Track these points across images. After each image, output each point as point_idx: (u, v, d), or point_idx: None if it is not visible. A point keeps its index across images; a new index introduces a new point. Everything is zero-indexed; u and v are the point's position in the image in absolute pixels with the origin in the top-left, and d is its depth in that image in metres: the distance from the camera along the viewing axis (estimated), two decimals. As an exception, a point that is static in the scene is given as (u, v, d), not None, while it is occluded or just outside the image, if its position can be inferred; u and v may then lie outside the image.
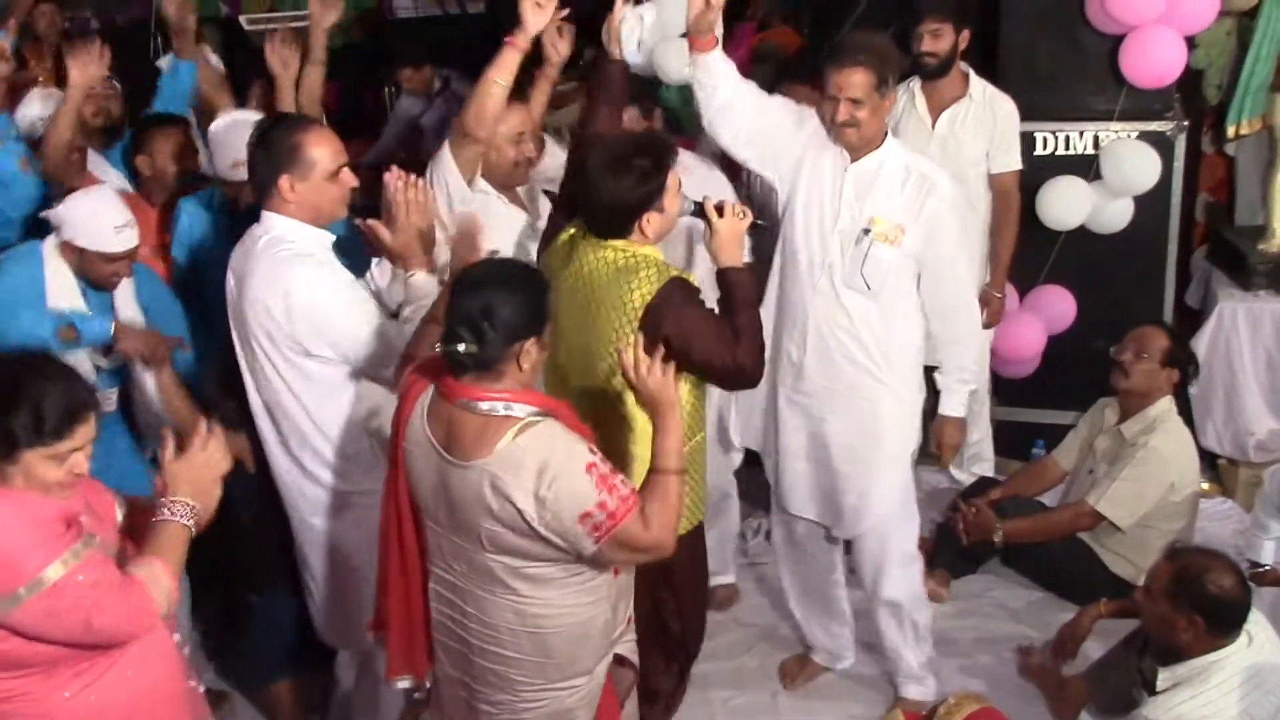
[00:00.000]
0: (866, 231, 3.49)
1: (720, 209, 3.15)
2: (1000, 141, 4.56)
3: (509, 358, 2.56)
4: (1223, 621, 3.09)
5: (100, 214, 3.54)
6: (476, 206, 3.64)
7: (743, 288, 3.16)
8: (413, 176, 3.16)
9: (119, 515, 2.61)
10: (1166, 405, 4.31)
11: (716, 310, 3.17)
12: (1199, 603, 3.08)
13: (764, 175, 3.73)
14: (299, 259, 3.13)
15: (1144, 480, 4.22)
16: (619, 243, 3.14)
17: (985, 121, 4.53)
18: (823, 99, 3.50)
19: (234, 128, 3.89)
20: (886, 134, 3.56)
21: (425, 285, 3.14)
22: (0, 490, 2.35)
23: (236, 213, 3.94)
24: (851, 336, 3.59)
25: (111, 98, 4.74)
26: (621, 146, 3.15)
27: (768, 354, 3.72)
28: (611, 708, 2.96)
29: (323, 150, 3.17)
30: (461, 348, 2.52)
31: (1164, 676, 3.15)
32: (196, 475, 2.51)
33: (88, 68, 4.10)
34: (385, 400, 3.16)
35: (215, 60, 5.10)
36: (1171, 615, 3.11)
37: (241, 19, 6.59)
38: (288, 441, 3.28)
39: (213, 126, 3.97)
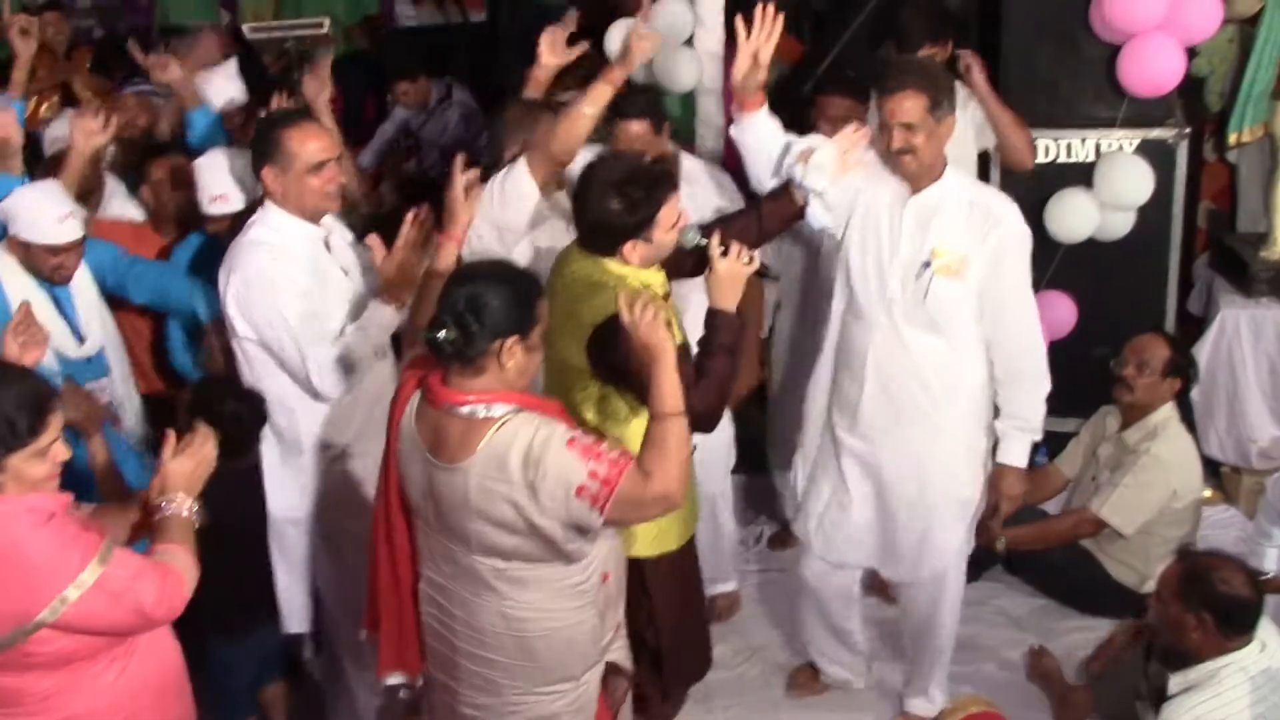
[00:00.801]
0: (927, 265, 3.39)
1: (726, 249, 3.04)
2: (982, 123, 4.49)
3: (490, 353, 2.58)
4: (1232, 620, 3.09)
5: (42, 205, 3.56)
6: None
7: (727, 332, 3.06)
8: (427, 218, 3.23)
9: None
10: (1168, 412, 4.31)
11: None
12: (1208, 599, 3.08)
13: (824, 226, 3.56)
14: (260, 245, 3.28)
15: (1146, 487, 4.21)
16: (605, 261, 3.15)
17: (973, 115, 4.52)
18: (879, 130, 3.40)
19: (214, 161, 3.90)
20: (946, 163, 3.45)
21: (379, 316, 3.26)
22: (3, 499, 2.39)
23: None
24: (912, 375, 3.48)
25: (142, 111, 4.72)
26: (619, 171, 3.14)
27: (825, 400, 3.66)
28: (603, 715, 2.96)
29: (304, 145, 3.27)
30: (442, 335, 2.55)
31: (1175, 681, 3.15)
32: (192, 474, 2.62)
33: (92, 137, 3.92)
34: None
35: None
36: (1182, 615, 3.12)
37: (244, 28, 6.60)
38: None
39: (196, 161, 3.94)
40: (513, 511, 2.57)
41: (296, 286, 3.25)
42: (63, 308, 3.69)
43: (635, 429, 2.98)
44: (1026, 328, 3.52)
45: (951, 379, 3.50)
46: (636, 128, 3.82)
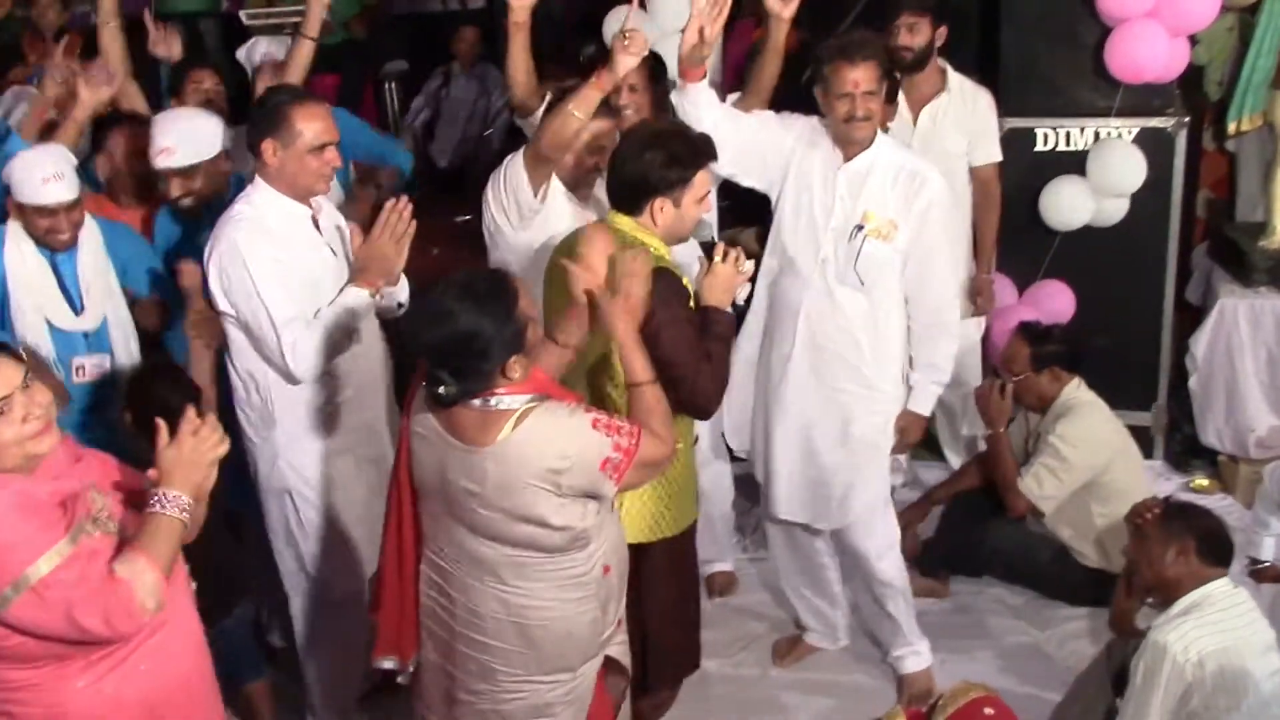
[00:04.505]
0: (860, 228, 3.57)
1: (726, 254, 3.16)
2: (980, 134, 4.59)
3: (494, 378, 2.59)
4: (1211, 548, 3.18)
5: (29, 165, 3.54)
6: (545, 204, 3.70)
7: (719, 324, 3.16)
8: (407, 208, 3.23)
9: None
10: (1070, 393, 4.33)
11: None
12: (1188, 527, 3.18)
13: (754, 187, 3.78)
14: (244, 221, 3.28)
15: (1062, 465, 4.23)
16: (628, 224, 3.14)
17: (965, 115, 4.56)
18: (830, 98, 3.54)
19: (168, 117, 3.90)
20: (877, 131, 3.64)
21: (350, 299, 3.26)
22: None
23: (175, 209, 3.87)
24: (843, 332, 3.66)
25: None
26: (667, 128, 3.24)
27: (757, 356, 3.81)
28: (605, 715, 2.96)
29: (311, 124, 3.28)
30: (443, 390, 2.57)
31: (1157, 621, 3.20)
32: (189, 462, 2.43)
33: (99, 90, 3.98)
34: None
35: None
36: (1163, 549, 3.20)
37: (242, 14, 6.57)
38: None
39: (156, 116, 3.93)
40: (531, 505, 2.60)
41: (275, 265, 3.24)
42: (61, 276, 3.65)
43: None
44: (946, 284, 3.76)
45: (878, 334, 3.68)
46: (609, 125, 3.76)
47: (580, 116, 3.51)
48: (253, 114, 3.40)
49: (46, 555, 2.27)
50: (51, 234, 3.58)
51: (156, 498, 2.41)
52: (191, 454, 2.43)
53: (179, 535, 2.43)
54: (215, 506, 3.20)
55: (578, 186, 3.76)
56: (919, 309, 3.70)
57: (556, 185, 3.72)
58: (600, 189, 3.74)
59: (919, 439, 3.94)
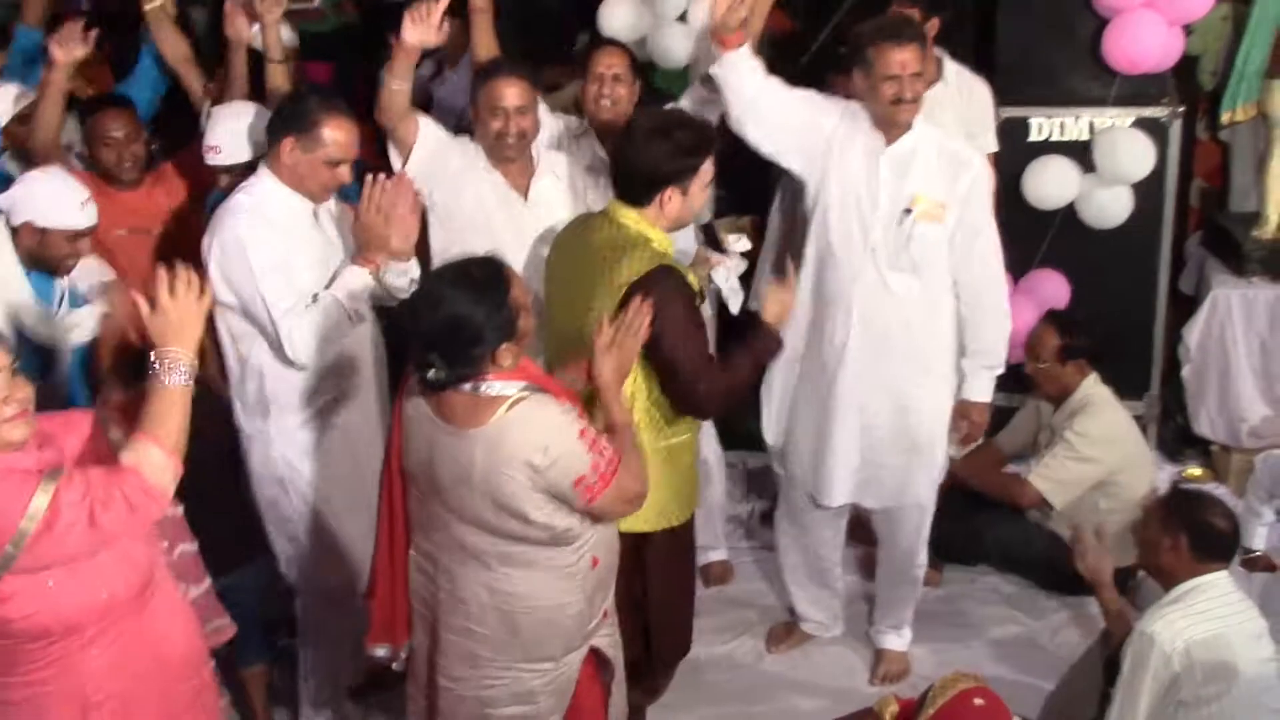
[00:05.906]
0: (908, 211, 3.53)
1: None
2: (977, 124, 4.56)
3: (484, 364, 2.59)
4: (1205, 544, 3.17)
5: (63, 191, 3.51)
6: (455, 172, 3.71)
7: (765, 342, 3.23)
8: (383, 179, 3.25)
9: (111, 434, 2.55)
10: (1089, 388, 4.33)
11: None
12: (1184, 522, 3.17)
13: (791, 169, 3.71)
14: (240, 211, 3.30)
15: (1077, 461, 4.24)
16: (631, 217, 3.13)
17: (962, 105, 4.53)
18: (875, 80, 3.48)
19: (220, 113, 3.89)
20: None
21: (350, 278, 3.27)
22: None
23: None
24: (898, 318, 3.63)
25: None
26: (670, 117, 3.22)
27: (802, 349, 3.75)
28: (594, 705, 2.97)
29: (337, 137, 3.30)
30: (433, 374, 2.57)
31: (1145, 613, 3.22)
32: (180, 320, 2.43)
33: (72, 48, 3.95)
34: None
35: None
36: (1159, 535, 3.20)
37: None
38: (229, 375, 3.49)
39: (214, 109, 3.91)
40: (510, 495, 2.60)
41: (273, 253, 3.26)
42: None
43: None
44: (993, 263, 3.69)
45: (932, 317, 3.66)
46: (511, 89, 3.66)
47: (397, 87, 3.58)
48: (283, 106, 3.43)
49: (35, 499, 2.26)
50: (72, 259, 3.54)
51: (154, 367, 2.41)
52: (180, 313, 2.43)
53: (183, 404, 2.42)
54: (215, 459, 3.19)
55: (496, 153, 3.71)
56: (966, 290, 3.66)
57: (468, 157, 3.72)
58: (536, 151, 3.77)
59: (984, 426, 3.85)
